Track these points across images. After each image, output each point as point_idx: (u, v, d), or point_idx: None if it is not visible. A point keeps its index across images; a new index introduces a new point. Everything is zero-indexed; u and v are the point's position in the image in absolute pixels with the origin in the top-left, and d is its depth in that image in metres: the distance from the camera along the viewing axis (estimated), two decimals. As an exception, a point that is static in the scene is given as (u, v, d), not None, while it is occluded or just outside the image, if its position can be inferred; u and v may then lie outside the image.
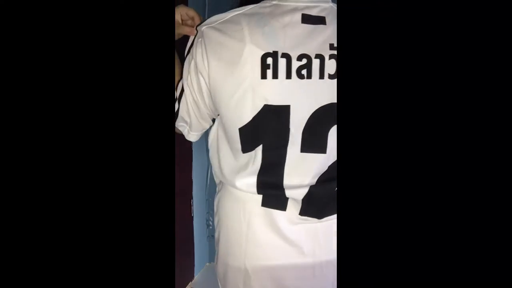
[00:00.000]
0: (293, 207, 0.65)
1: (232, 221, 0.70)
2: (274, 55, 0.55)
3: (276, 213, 0.65)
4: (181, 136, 0.72)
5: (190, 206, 1.63)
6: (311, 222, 0.66)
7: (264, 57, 0.56)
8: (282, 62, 0.56)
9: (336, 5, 0.59)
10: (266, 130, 0.60)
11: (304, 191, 0.63)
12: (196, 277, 1.73)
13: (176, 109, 0.68)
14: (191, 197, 1.63)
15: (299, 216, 0.65)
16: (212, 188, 1.75)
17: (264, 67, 0.56)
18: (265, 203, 0.65)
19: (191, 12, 0.66)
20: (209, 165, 1.71)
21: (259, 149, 0.62)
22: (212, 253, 1.85)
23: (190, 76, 0.63)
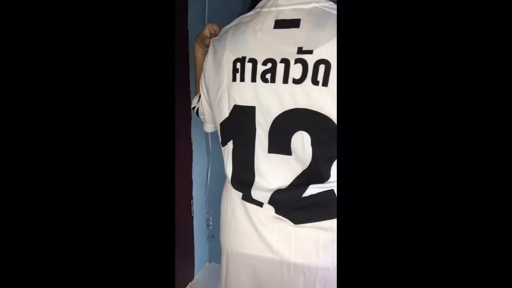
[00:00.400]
0: (269, 206, 0.67)
1: (222, 206, 0.78)
2: (242, 60, 0.61)
3: (254, 208, 0.69)
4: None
5: (190, 206, 1.63)
6: (287, 224, 0.67)
7: (235, 62, 0.62)
8: (248, 67, 0.60)
9: (323, 5, 0.59)
10: (237, 128, 0.66)
11: (267, 195, 0.66)
12: (196, 277, 1.73)
13: (198, 106, 0.82)
14: (191, 197, 1.63)
15: (275, 214, 0.67)
16: (212, 188, 1.75)
17: (234, 71, 0.62)
18: (244, 198, 0.71)
19: (215, 27, 0.76)
20: (209, 165, 1.71)
21: (231, 144, 0.69)
22: (212, 253, 1.85)
23: (201, 80, 0.74)
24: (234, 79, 0.62)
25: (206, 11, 1.52)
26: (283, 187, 0.65)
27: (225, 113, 0.66)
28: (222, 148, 0.72)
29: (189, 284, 1.68)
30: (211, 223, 1.78)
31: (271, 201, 0.66)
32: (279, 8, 0.60)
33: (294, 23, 0.58)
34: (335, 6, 0.58)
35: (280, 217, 0.67)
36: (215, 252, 1.84)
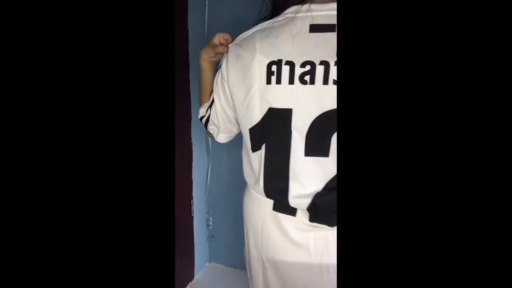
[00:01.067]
0: (303, 214, 0.67)
1: (251, 217, 0.76)
2: (278, 63, 0.61)
3: (286, 219, 0.69)
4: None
5: (190, 206, 1.63)
6: (322, 229, 0.67)
7: (269, 65, 0.62)
8: (285, 69, 0.61)
9: None
10: (270, 131, 0.65)
11: (307, 200, 0.65)
12: (196, 277, 1.73)
13: (208, 115, 0.80)
14: (191, 197, 1.63)
15: (309, 222, 0.67)
16: (212, 188, 1.75)
17: (269, 73, 0.62)
18: (275, 208, 0.70)
19: (226, 36, 0.76)
20: (209, 165, 1.71)
21: (263, 148, 0.67)
22: (212, 253, 1.85)
23: (218, 86, 0.73)
24: (269, 82, 0.62)
25: (206, 11, 1.52)
26: (319, 191, 0.65)
27: (257, 118, 0.66)
28: (252, 154, 0.71)
29: (189, 284, 1.68)
30: (211, 223, 1.78)
31: (311, 206, 0.66)
32: (313, 14, 0.61)
33: (330, 28, 0.59)
34: None
35: (316, 224, 0.67)
36: (215, 252, 1.84)
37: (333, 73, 0.58)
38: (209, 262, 1.86)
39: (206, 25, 1.54)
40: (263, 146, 0.67)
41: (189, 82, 1.52)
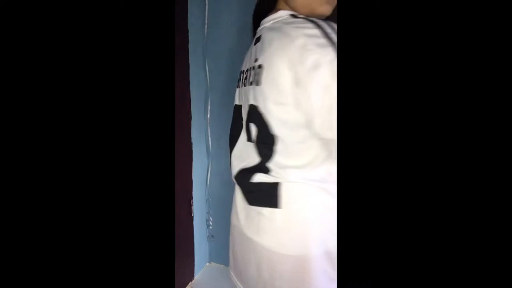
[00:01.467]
0: None
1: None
2: (241, 72, 0.84)
3: (239, 191, 0.84)
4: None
5: (190, 206, 1.63)
6: (246, 203, 0.79)
7: (239, 75, 0.86)
8: (242, 77, 0.83)
9: (277, 20, 0.73)
10: (233, 120, 0.88)
11: (234, 173, 0.83)
12: (196, 277, 1.73)
13: None
14: (191, 197, 1.64)
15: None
16: (212, 188, 1.75)
17: (238, 80, 0.86)
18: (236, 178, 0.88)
19: None
20: (209, 165, 1.71)
21: (229, 134, 0.89)
22: (212, 253, 1.85)
23: None
24: (237, 86, 0.86)
25: (206, 11, 1.52)
26: (246, 167, 0.78)
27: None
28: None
29: (189, 284, 1.68)
30: (211, 223, 1.78)
31: (236, 180, 0.82)
32: (258, 28, 0.79)
33: (258, 39, 0.75)
34: (289, 19, 0.70)
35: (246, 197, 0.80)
36: (215, 252, 1.84)
37: (250, 77, 0.74)
38: (209, 262, 1.86)
39: (206, 25, 1.54)
40: (230, 132, 0.89)
41: (189, 82, 1.52)
